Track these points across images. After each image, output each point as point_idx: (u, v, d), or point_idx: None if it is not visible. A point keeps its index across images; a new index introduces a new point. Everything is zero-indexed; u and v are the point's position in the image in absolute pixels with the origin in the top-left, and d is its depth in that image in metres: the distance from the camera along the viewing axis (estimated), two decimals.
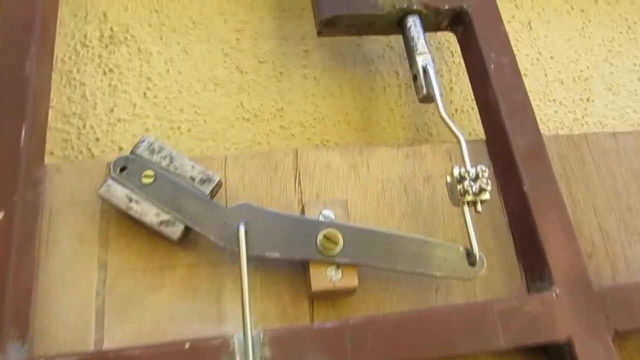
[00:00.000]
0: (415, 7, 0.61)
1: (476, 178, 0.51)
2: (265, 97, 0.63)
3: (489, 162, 0.59)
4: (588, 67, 0.74)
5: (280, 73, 0.65)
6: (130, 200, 0.48)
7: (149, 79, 0.61)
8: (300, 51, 0.66)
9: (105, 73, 0.60)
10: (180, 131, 0.60)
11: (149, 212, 0.48)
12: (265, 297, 0.51)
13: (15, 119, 0.49)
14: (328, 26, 0.60)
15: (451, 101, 0.68)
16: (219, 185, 0.51)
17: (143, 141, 0.51)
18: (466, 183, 0.51)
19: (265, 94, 0.63)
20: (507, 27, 0.73)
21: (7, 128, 0.49)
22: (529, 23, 0.75)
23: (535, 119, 0.58)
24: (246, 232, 0.48)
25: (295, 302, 0.51)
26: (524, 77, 0.70)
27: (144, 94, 0.60)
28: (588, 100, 0.71)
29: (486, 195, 0.51)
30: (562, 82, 0.72)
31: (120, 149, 0.57)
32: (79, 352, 0.45)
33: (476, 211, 0.51)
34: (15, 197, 0.46)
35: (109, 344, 0.46)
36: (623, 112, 0.72)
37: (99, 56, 0.61)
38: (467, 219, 0.51)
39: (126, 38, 0.62)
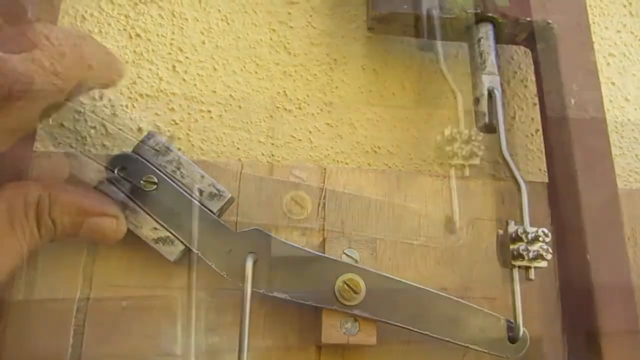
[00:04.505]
0: (490, 14, 0.49)
1: (534, 240, 0.44)
2: (313, 87, 0.54)
3: (548, 211, 0.50)
4: None
5: (335, 60, 0.55)
6: (126, 207, 0.42)
7: (180, 49, 0.52)
8: (362, 37, 0.55)
9: (131, 37, 0.51)
10: (210, 115, 0.52)
11: (145, 225, 0.42)
12: (268, 336, 0.45)
13: None
14: (382, 23, 0.50)
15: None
16: (229, 202, 0.44)
17: (149, 138, 0.44)
18: (522, 247, 0.44)
19: (313, 83, 0.54)
20: (615, 38, 0.61)
21: None
22: None
23: (614, 174, 0.48)
24: (254, 263, 0.42)
25: (301, 344, 0.45)
26: (625, 102, 0.59)
27: (173, 67, 0.52)
28: None
29: (543, 264, 0.44)
30: None
31: (139, 129, 0.50)
32: None
33: (527, 278, 0.44)
34: None
35: None
36: None
37: (126, 16, 0.52)
38: (515, 286, 0.44)
39: None
